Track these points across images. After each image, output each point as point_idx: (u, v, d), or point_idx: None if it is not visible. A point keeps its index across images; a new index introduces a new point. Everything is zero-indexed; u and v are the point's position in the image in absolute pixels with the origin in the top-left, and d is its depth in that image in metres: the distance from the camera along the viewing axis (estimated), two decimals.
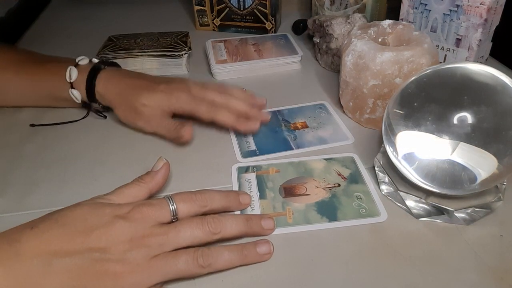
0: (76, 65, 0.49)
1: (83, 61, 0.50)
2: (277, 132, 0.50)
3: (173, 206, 0.34)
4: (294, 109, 0.53)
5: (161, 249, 0.32)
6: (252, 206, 0.40)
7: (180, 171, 0.44)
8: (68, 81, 0.48)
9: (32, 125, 0.51)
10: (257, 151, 0.47)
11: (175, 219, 0.34)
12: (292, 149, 0.47)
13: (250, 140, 0.48)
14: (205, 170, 0.44)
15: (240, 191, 0.41)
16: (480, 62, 0.55)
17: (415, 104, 0.38)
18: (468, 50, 0.55)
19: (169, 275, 0.32)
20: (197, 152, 0.47)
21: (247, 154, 0.46)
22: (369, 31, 0.49)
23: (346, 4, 0.66)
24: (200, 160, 0.46)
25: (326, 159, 0.45)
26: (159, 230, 0.32)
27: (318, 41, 0.63)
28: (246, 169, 0.44)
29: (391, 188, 0.40)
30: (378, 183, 0.42)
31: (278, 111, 0.53)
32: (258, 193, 0.41)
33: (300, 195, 0.41)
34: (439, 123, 0.36)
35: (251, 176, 0.43)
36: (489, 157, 0.35)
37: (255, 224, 0.36)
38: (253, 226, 0.36)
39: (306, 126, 0.50)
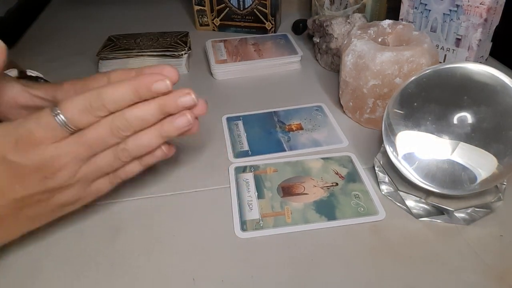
0: None
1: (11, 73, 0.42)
2: (271, 133, 0.49)
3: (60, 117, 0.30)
4: (290, 111, 0.53)
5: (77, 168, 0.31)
6: (250, 206, 0.40)
7: (174, 171, 0.44)
8: None
9: None
10: (249, 151, 0.47)
11: (70, 129, 0.30)
12: (284, 150, 0.47)
13: (244, 140, 0.48)
14: (200, 170, 0.44)
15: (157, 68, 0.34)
16: (480, 62, 0.55)
17: (415, 104, 0.38)
18: (468, 50, 0.55)
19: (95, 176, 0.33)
20: (189, 151, 0.47)
21: (240, 154, 0.46)
22: (369, 31, 0.49)
23: (346, 4, 0.66)
24: (193, 160, 0.46)
25: (323, 158, 0.45)
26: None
27: (318, 41, 0.63)
28: (243, 169, 0.44)
29: (391, 188, 0.40)
30: (376, 182, 0.42)
31: (274, 112, 0.53)
32: (256, 193, 0.41)
33: (298, 194, 0.41)
34: (439, 123, 0.36)
35: (249, 176, 0.43)
36: (489, 157, 0.35)
37: (170, 103, 0.32)
38: (167, 106, 0.32)
39: (301, 128, 0.50)
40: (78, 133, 0.31)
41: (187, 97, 0.33)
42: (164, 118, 0.33)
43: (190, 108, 0.34)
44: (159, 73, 0.32)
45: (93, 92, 0.30)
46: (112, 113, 0.31)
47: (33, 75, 0.45)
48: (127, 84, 0.31)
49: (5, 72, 0.41)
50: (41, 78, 0.46)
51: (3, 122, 0.31)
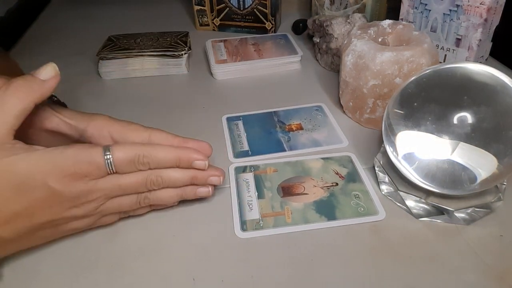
0: None
1: None
2: (271, 133, 0.49)
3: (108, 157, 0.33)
4: (290, 111, 0.53)
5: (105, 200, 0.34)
6: (250, 206, 0.40)
7: None
8: None
9: None
10: (249, 151, 0.47)
11: (111, 171, 0.33)
12: (284, 150, 0.47)
13: (244, 140, 0.48)
14: None
15: (198, 141, 0.38)
16: (480, 62, 0.55)
17: (415, 104, 0.38)
18: (468, 50, 0.55)
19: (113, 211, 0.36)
20: None
21: (240, 154, 0.46)
22: (369, 31, 0.49)
23: (346, 4, 0.66)
24: None
25: (323, 158, 0.45)
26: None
27: (318, 41, 0.63)
28: (243, 169, 0.44)
29: (391, 188, 0.40)
30: (376, 182, 0.42)
31: (274, 112, 0.53)
32: (256, 193, 0.41)
33: (298, 194, 0.41)
34: (439, 123, 0.36)
35: (249, 176, 0.43)
36: (489, 157, 0.35)
37: (201, 179, 0.37)
38: (198, 179, 0.37)
39: (301, 128, 0.50)
40: (117, 175, 0.34)
41: (216, 179, 0.38)
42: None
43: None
44: (198, 150, 0.37)
45: (143, 148, 0.34)
46: (150, 168, 0.35)
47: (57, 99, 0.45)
48: (174, 152, 0.35)
49: None
50: (53, 96, 0.45)
51: (50, 148, 0.32)
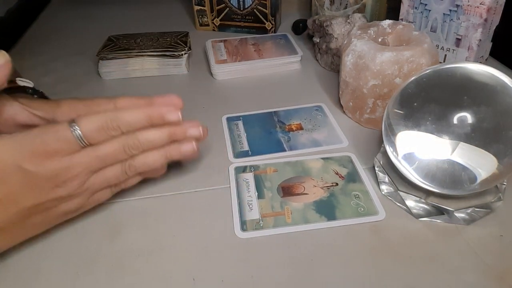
0: None
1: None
2: (271, 133, 0.49)
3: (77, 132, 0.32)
4: (290, 111, 0.53)
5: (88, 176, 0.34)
6: (250, 206, 0.40)
7: (174, 171, 0.44)
8: None
9: None
10: (249, 151, 0.47)
11: (83, 144, 0.33)
12: (284, 150, 0.47)
13: (244, 140, 0.48)
14: (200, 170, 0.44)
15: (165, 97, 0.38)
16: (480, 62, 0.55)
17: (415, 104, 0.38)
18: (468, 50, 0.55)
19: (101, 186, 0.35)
20: None
21: (240, 154, 0.46)
22: (369, 31, 0.49)
23: (346, 4, 0.66)
24: (193, 160, 0.45)
25: (323, 159, 0.45)
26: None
27: (318, 41, 0.63)
28: (243, 169, 0.44)
29: (391, 188, 0.40)
30: (376, 182, 0.42)
31: (274, 112, 0.53)
32: (256, 193, 0.41)
33: (298, 194, 0.41)
34: (439, 123, 0.36)
35: (249, 176, 0.43)
36: (489, 157, 0.35)
37: (180, 133, 0.37)
38: (176, 134, 0.37)
39: (301, 128, 0.50)
40: (92, 147, 0.33)
41: (195, 130, 0.38)
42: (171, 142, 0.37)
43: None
44: (168, 103, 0.37)
45: (110, 113, 0.34)
46: (123, 133, 0.34)
47: (21, 84, 0.44)
48: (142, 110, 0.35)
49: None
50: (30, 88, 0.45)
51: (15, 133, 0.32)
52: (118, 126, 0.34)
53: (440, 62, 0.55)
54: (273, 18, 0.71)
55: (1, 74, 0.33)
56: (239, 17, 0.72)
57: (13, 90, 0.41)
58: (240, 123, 0.51)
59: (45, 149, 0.31)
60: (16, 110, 0.37)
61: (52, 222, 0.35)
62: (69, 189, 0.33)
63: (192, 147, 0.38)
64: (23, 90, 0.42)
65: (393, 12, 0.63)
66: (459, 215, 0.37)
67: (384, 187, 0.41)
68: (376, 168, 0.42)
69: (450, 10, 0.54)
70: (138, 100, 0.38)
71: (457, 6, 0.53)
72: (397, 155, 0.38)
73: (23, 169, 0.31)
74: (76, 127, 0.32)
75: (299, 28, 0.72)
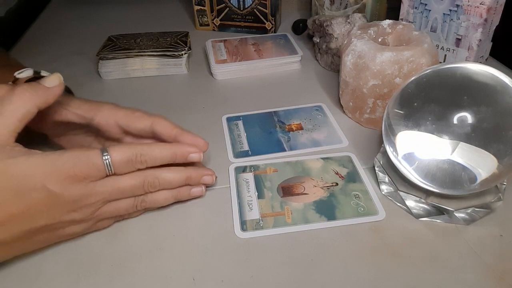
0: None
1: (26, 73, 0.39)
2: (271, 133, 0.49)
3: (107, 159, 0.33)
4: (290, 111, 0.53)
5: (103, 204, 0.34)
6: (250, 206, 0.40)
7: None
8: None
9: None
10: (249, 151, 0.47)
11: (110, 171, 0.34)
12: (284, 150, 0.47)
13: (244, 140, 0.48)
14: None
15: (190, 137, 0.39)
16: (480, 62, 0.55)
17: (415, 104, 0.38)
18: (468, 50, 0.55)
19: (110, 216, 0.36)
20: None
21: (240, 154, 0.46)
22: (369, 31, 0.49)
23: (346, 4, 0.66)
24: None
25: (323, 158, 0.45)
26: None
27: (318, 41, 0.63)
28: (243, 169, 0.44)
29: (391, 188, 0.40)
30: (376, 182, 0.42)
31: (274, 112, 0.53)
32: (256, 193, 0.41)
33: (298, 194, 0.41)
34: (439, 123, 0.36)
35: (249, 176, 0.43)
36: (489, 157, 0.35)
37: (195, 179, 0.39)
38: (192, 179, 0.39)
39: (301, 128, 0.50)
40: (115, 177, 0.34)
41: (209, 178, 0.40)
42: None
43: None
44: (195, 143, 0.38)
45: (139, 147, 0.35)
46: (146, 168, 0.35)
47: (46, 75, 0.45)
48: (169, 148, 0.37)
49: (19, 72, 0.41)
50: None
51: (48, 152, 0.32)
52: (145, 161, 0.35)
53: (440, 62, 0.55)
54: (273, 18, 0.71)
55: (54, 92, 0.35)
56: (239, 17, 0.72)
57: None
58: (240, 123, 0.51)
59: (75, 173, 0.32)
60: (55, 108, 0.38)
61: (53, 241, 0.36)
62: (82, 215, 0.34)
63: (202, 191, 0.40)
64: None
65: (393, 12, 0.63)
66: (459, 215, 0.37)
67: (384, 187, 0.41)
68: (376, 168, 0.42)
69: (450, 10, 0.54)
70: (172, 129, 0.39)
71: (457, 6, 0.53)
72: (397, 155, 0.38)
73: (48, 189, 0.31)
74: (108, 156, 0.33)
75: (299, 28, 0.72)
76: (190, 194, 0.40)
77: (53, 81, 0.35)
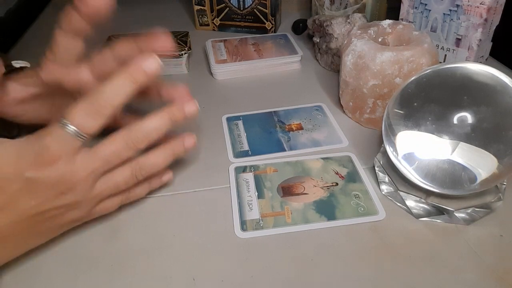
0: None
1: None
2: (271, 133, 0.49)
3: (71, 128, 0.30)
4: (290, 110, 0.53)
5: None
6: (250, 206, 0.40)
7: (174, 171, 0.44)
8: None
9: None
10: (249, 151, 0.47)
11: (82, 137, 0.31)
12: (284, 150, 0.47)
13: (244, 140, 0.48)
14: (200, 170, 0.44)
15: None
16: (480, 62, 0.55)
17: (415, 104, 0.38)
18: (468, 50, 0.55)
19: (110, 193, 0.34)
20: (189, 151, 0.47)
21: (239, 154, 0.46)
22: (369, 31, 0.49)
23: (346, 4, 0.66)
24: (193, 160, 0.46)
25: (323, 158, 0.45)
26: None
27: (318, 41, 0.63)
28: (243, 169, 0.44)
29: (391, 188, 0.40)
30: (376, 182, 0.42)
31: (274, 111, 0.53)
32: (256, 193, 0.41)
33: (298, 194, 0.41)
34: (439, 123, 0.36)
35: (249, 176, 0.43)
36: (489, 157, 0.35)
37: (179, 115, 0.36)
38: (176, 116, 0.35)
39: (301, 128, 0.50)
40: (93, 147, 0.32)
41: (191, 105, 0.36)
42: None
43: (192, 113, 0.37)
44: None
45: (95, 95, 0.31)
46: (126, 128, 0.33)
47: (18, 66, 0.44)
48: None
49: (16, 62, 0.42)
50: (29, 69, 0.45)
51: (16, 139, 0.31)
52: (108, 105, 0.31)
53: (440, 62, 0.55)
54: (273, 18, 0.71)
55: None
56: (239, 17, 0.72)
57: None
58: (240, 123, 0.51)
59: (46, 154, 0.30)
60: (12, 89, 0.37)
61: (56, 231, 0.34)
62: (75, 196, 0.32)
63: (194, 139, 0.38)
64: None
65: (393, 12, 0.63)
66: (459, 215, 0.37)
67: (384, 187, 0.41)
68: (376, 168, 0.42)
69: (450, 10, 0.54)
70: (130, 43, 0.37)
71: (457, 6, 0.53)
72: (397, 155, 0.38)
73: (24, 177, 0.29)
74: (65, 121, 0.30)
75: (299, 28, 0.72)
76: (185, 147, 0.37)
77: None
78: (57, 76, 0.37)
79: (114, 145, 0.32)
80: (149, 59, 0.33)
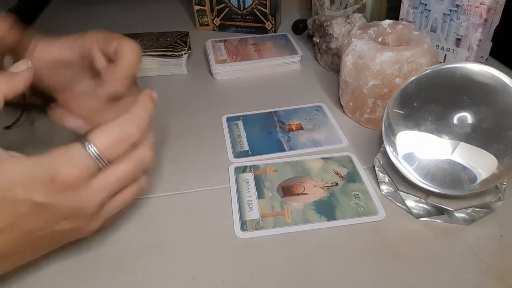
0: None
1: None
2: (271, 133, 0.49)
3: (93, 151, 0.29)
4: (290, 111, 0.53)
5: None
6: (250, 206, 0.40)
7: (174, 172, 0.44)
8: None
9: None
10: (249, 151, 0.47)
11: (102, 163, 0.29)
12: (284, 150, 0.47)
13: (244, 140, 0.48)
14: (200, 170, 0.44)
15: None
16: (480, 62, 0.55)
17: (415, 104, 0.38)
18: (468, 50, 0.55)
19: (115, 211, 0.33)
20: (190, 152, 0.47)
21: (240, 154, 0.46)
22: (369, 31, 0.49)
23: (346, 4, 0.66)
24: (193, 160, 0.46)
25: (323, 159, 0.45)
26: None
27: (318, 41, 0.63)
28: (243, 169, 0.44)
29: (391, 188, 0.40)
30: (376, 182, 0.42)
31: (274, 112, 0.53)
32: (256, 193, 0.41)
33: (298, 194, 0.41)
34: (439, 123, 0.36)
35: (249, 176, 0.43)
36: (489, 157, 0.35)
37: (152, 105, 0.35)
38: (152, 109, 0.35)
39: (301, 128, 0.50)
40: (107, 171, 0.30)
41: (153, 94, 0.36)
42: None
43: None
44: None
45: (121, 121, 0.31)
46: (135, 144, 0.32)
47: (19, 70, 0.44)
48: (146, 107, 0.34)
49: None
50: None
51: (22, 158, 0.28)
52: (133, 134, 0.31)
53: (440, 62, 0.55)
54: (273, 18, 0.71)
55: (20, 76, 0.32)
56: (239, 17, 0.72)
57: None
58: (240, 123, 0.51)
59: (60, 179, 0.27)
60: (46, 49, 0.38)
61: (56, 246, 0.33)
62: (83, 220, 0.30)
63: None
64: None
65: (393, 12, 0.63)
66: (459, 215, 0.37)
67: (384, 187, 0.41)
68: (376, 168, 0.42)
69: (450, 10, 0.54)
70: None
71: (457, 6, 0.53)
72: (397, 155, 0.38)
73: (32, 201, 0.27)
74: (91, 145, 0.28)
75: (299, 28, 0.72)
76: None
77: (20, 66, 0.32)
78: (93, 51, 0.38)
79: (129, 166, 0.31)
80: (152, 91, 0.35)
